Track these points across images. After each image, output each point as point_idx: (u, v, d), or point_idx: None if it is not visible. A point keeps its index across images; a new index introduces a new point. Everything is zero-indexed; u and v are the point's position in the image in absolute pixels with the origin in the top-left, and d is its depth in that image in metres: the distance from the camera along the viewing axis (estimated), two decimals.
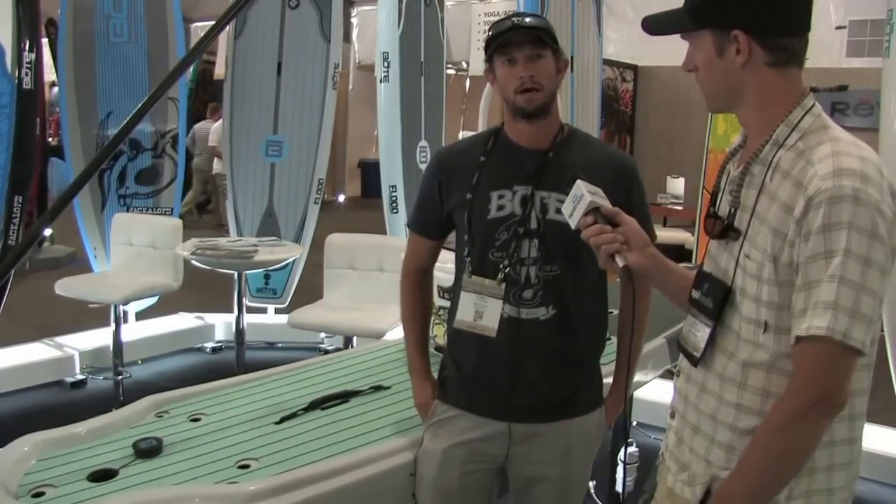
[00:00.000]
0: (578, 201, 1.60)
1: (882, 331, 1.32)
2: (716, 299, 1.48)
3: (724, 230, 1.48)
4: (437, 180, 2.01)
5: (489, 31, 1.91)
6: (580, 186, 1.61)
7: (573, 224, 1.62)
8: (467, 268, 1.95)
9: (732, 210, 1.47)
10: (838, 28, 8.13)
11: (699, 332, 1.51)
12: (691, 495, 1.50)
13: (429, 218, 2.07)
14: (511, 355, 1.92)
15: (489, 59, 1.92)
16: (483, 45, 1.94)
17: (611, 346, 2.79)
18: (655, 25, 1.54)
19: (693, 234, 5.56)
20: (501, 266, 1.89)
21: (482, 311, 1.91)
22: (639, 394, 2.92)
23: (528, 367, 1.92)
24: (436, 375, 2.12)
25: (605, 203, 1.60)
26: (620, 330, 2.06)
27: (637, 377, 2.72)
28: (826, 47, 7.78)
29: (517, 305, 1.91)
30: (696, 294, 1.55)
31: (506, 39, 1.85)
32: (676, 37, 1.54)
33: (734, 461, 1.43)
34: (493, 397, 1.95)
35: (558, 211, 1.81)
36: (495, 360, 1.93)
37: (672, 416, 1.64)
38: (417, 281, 2.15)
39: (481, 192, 1.92)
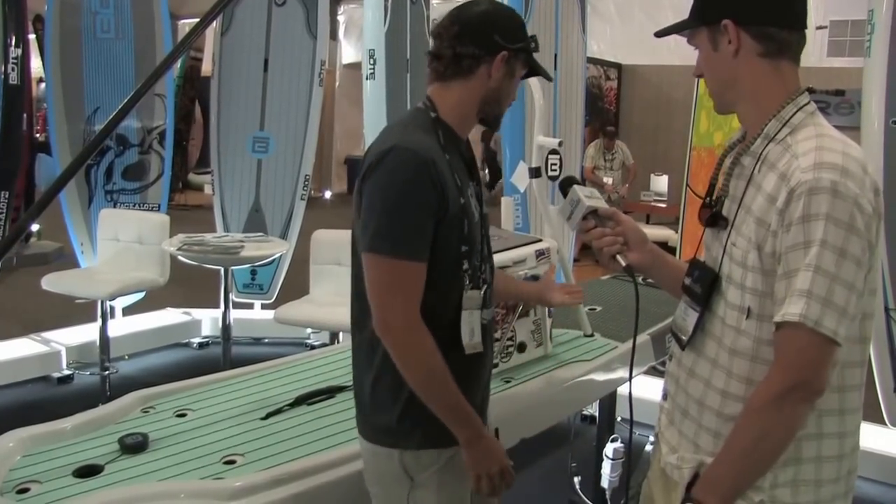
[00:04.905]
0: (576, 206, 1.63)
1: None
2: (704, 285, 1.53)
3: (713, 218, 1.53)
4: (433, 185, 1.60)
5: (519, 28, 1.73)
6: (576, 191, 1.64)
7: (572, 227, 1.64)
8: (467, 282, 1.69)
9: (721, 198, 1.52)
10: (819, 28, 8.18)
11: (688, 318, 1.56)
12: (679, 478, 1.55)
13: (430, 236, 1.65)
14: (489, 366, 1.85)
15: (513, 58, 1.72)
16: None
17: (594, 343, 2.84)
18: (663, 30, 1.60)
19: (677, 232, 5.59)
20: (481, 271, 1.74)
21: (473, 326, 1.70)
22: (622, 390, 2.94)
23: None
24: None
25: (601, 205, 1.62)
26: None
27: (621, 374, 2.75)
28: (807, 47, 7.82)
29: (488, 308, 1.78)
30: (687, 281, 1.60)
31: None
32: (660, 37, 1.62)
33: (721, 446, 1.46)
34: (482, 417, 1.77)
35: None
36: (487, 376, 1.83)
37: (665, 397, 1.68)
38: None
39: (463, 193, 1.68)
